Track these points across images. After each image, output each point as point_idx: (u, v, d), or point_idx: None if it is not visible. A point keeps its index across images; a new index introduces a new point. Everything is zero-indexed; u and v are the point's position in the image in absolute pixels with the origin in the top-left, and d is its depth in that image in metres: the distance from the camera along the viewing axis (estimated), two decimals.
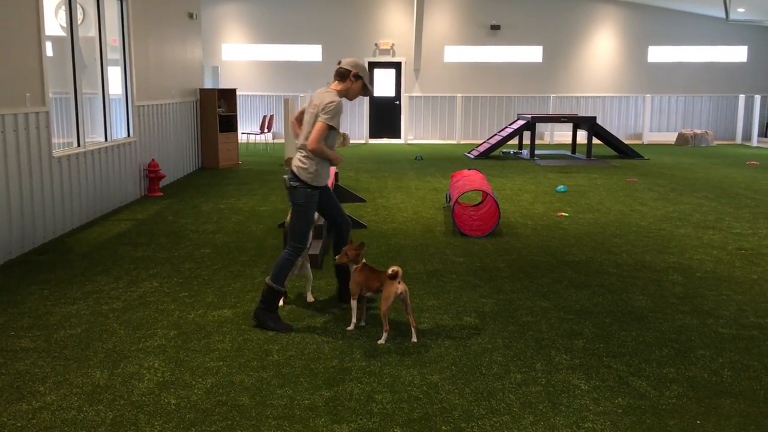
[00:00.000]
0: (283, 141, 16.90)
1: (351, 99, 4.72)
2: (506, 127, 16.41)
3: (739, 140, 19.51)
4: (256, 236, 7.26)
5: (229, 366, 3.88)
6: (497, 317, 4.76)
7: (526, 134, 15.85)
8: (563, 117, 16.16)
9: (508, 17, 20.02)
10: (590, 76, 20.46)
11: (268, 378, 3.72)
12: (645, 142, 19.34)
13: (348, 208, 8.56)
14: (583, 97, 20.22)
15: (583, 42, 20.28)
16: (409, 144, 19.02)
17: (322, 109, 4.46)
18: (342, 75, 4.63)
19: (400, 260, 6.27)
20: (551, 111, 19.36)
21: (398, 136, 20.08)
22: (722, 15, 18.62)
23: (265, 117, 16.65)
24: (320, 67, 20.02)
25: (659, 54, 20.48)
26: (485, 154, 15.37)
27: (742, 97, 19.24)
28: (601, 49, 20.34)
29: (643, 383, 3.71)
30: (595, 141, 15.76)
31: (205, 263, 6.14)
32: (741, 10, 18.34)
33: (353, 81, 4.63)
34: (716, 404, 3.47)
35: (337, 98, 4.52)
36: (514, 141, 16.69)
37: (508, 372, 3.85)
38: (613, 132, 19.16)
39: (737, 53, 20.60)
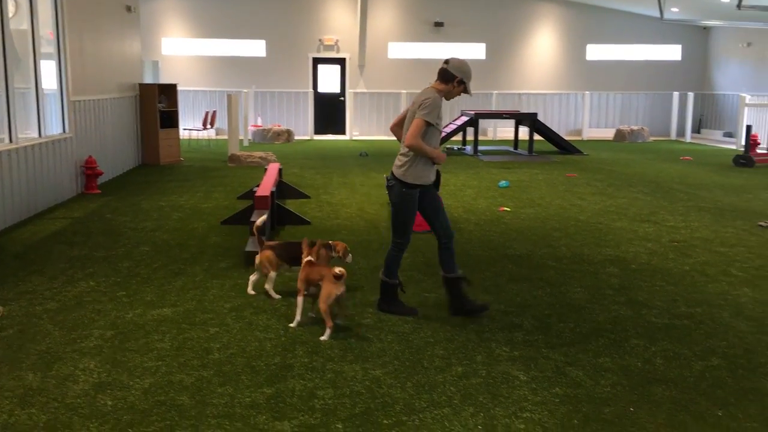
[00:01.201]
0: (226, 137, 16.66)
1: (448, 99, 4.64)
2: (450, 123, 16.56)
3: (673, 136, 20.15)
4: (198, 233, 7.15)
5: (168, 365, 3.81)
6: (439, 311, 4.81)
7: (470, 130, 16.03)
8: (505, 113, 16.41)
9: (452, 14, 20.18)
10: (532, 73, 20.80)
11: (209, 377, 3.67)
12: (584, 138, 19.78)
13: (292, 205, 8.51)
14: (525, 93, 20.55)
15: (525, 40, 20.61)
16: (354, 140, 19.01)
17: (419, 106, 4.46)
18: (446, 78, 4.55)
19: None
20: (494, 107, 19.62)
21: (343, 132, 20.04)
22: (657, 14, 19.19)
23: (207, 113, 16.40)
24: (264, 63, 19.81)
25: (597, 52, 20.97)
26: None
27: (676, 95, 19.86)
28: (542, 47, 20.70)
29: (580, 373, 3.81)
30: (537, 137, 16.05)
31: (145, 261, 6.01)
32: (675, 9, 18.92)
33: (456, 86, 4.56)
34: (649, 392, 3.58)
35: (434, 94, 4.49)
36: (458, 137, 16.85)
37: (450, 365, 3.89)
38: (554, 128, 19.51)
39: (672, 52, 21.25)
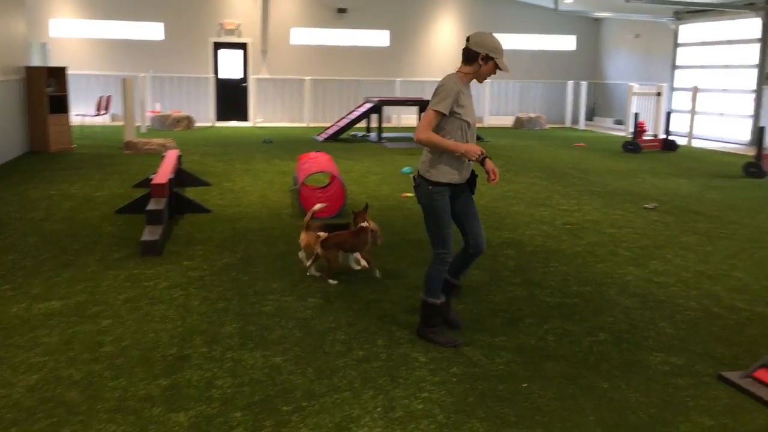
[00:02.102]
0: (122, 123, 15.98)
1: (481, 81, 4.03)
2: (354, 110, 16.57)
3: (568, 124, 20.96)
4: (91, 223, 6.85)
5: (56, 361, 3.64)
6: (342, 297, 4.82)
7: (375, 117, 16.09)
8: (409, 100, 16.57)
9: (355, 0, 20.15)
10: (435, 60, 21.08)
11: (100, 370, 3.53)
12: (486, 125, 20.27)
13: (192, 193, 8.29)
14: (429, 81, 20.81)
15: (428, 27, 20.85)
16: (257, 127, 18.70)
17: (433, 94, 3.90)
18: (470, 57, 3.91)
19: (245, 244, 6.18)
20: (398, 94, 19.78)
21: (246, 118, 19.68)
22: (552, 5, 19.86)
23: (101, 98, 15.69)
24: (163, 46, 19.14)
25: None
26: (334, 137, 15.45)
27: (570, 84, 20.66)
28: (444, 35, 21.02)
29: (477, 352, 3.91)
30: None
31: (31, 253, 5.71)
32: (569, 1, 19.64)
33: (483, 63, 3.90)
34: (541, 368, 3.73)
35: (450, 80, 3.89)
36: (363, 124, 16.89)
37: (351, 349, 3.91)
38: None
39: (567, 42, 22.07)
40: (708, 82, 17.60)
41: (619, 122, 20.21)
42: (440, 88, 3.87)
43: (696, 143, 16.16)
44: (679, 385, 3.56)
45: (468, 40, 3.94)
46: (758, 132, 11.62)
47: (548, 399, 3.37)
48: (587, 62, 22.20)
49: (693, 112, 16.04)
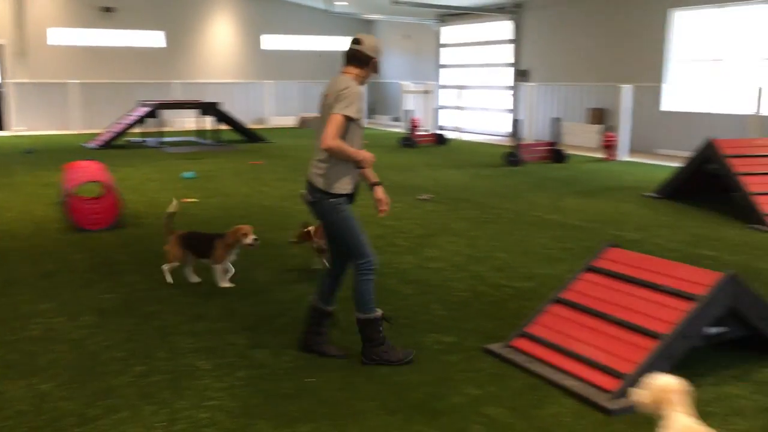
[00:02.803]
0: None
1: (364, 84, 3.87)
2: (129, 114, 15.71)
3: None
4: None
5: None
6: (119, 312, 4.58)
7: (153, 121, 15.40)
8: (187, 103, 16.06)
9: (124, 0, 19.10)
10: (214, 62, 20.64)
11: None
12: (270, 126, 20.26)
13: None
14: (209, 83, 20.33)
15: (204, 28, 20.35)
16: (17, 136, 17.03)
17: (336, 98, 3.64)
18: (362, 60, 3.79)
19: (5, 265, 5.62)
20: (176, 97, 19.08)
21: (3, 127, 17.83)
22: (324, 7, 20.35)
23: None
24: None
25: (271, 42, 21.57)
26: (108, 144, 14.54)
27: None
28: (221, 36, 20.65)
29: (263, 353, 3.92)
30: (225, 126, 16.01)
31: None
32: (343, 3, 20.23)
33: (372, 68, 3.83)
34: (325, 362, 3.83)
35: (352, 83, 3.70)
36: (141, 129, 16.07)
37: (129, 366, 3.73)
38: (241, 117, 19.66)
39: (343, 43, 22.68)
40: (471, 80, 19.10)
41: (396, 119, 21.23)
42: (345, 92, 3.67)
43: (464, 136, 17.48)
44: (451, 361, 3.85)
45: (359, 42, 3.84)
46: (514, 124, 12.85)
47: (333, 391, 3.47)
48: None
49: (459, 107, 17.31)
